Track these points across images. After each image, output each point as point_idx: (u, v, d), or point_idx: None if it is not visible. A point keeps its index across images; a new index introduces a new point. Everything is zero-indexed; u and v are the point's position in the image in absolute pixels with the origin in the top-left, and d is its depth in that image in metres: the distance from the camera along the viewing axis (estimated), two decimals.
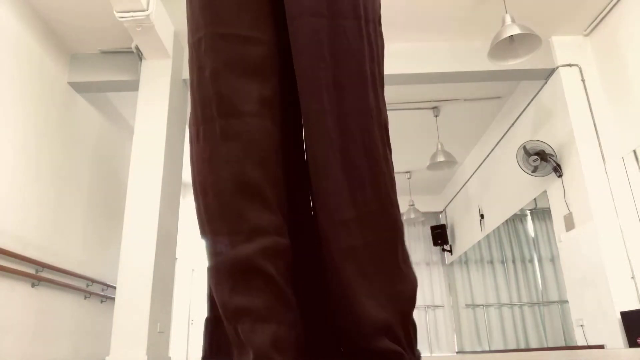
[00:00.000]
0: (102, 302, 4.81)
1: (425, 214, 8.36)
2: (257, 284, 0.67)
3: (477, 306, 7.12)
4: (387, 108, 0.86)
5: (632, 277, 3.74)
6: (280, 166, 0.74)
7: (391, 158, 0.79)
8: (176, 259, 4.44)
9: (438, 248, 8.28)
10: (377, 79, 0.78)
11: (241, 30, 0.76)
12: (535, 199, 5.01)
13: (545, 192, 4.71)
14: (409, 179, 7.58)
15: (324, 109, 0.74)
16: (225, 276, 0.69)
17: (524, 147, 4.48)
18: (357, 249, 0.71)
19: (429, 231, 8.11)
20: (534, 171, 4.50)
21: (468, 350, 7.40)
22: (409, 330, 0.73)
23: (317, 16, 0.75)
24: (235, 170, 0.70)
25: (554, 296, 5.10)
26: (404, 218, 7.35)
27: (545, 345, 5.28)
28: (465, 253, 7.41)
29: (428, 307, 8.14)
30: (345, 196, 0.72)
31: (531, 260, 5.64)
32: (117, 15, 3.49)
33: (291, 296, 0.70)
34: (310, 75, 0.74)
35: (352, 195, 0.72)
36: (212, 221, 0.72)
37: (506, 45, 3.50)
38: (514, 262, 6.07)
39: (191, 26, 0.80)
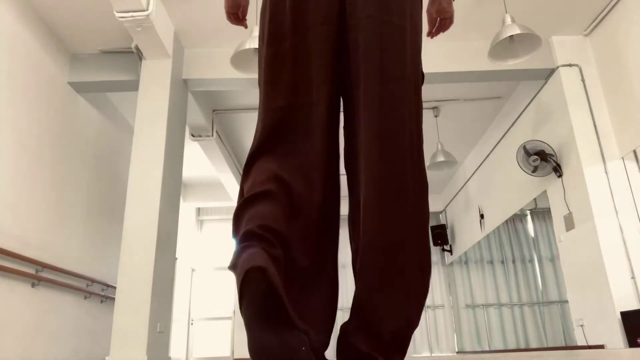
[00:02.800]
0: (102, 302, 4.81)
1: None
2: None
3: (477, 306, 7.12)
4: None
5: (632, 277, 3.75)
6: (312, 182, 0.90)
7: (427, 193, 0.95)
8: (176, 259, 4.44)
9: (438, 248, 8.29)
10: (420, 133, 0.97)
11: (311, 98, 0.95)
12: (535, 199, 5.01)
13: (545, 192, 4.71)
14: None
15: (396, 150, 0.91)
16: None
17: (524, 147, 4.48)
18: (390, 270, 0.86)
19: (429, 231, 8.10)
20: (534, 171, 4.50)
21: (468, 350, 7.40)
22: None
23: (383, 82, 0.95)
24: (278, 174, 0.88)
25: (554, 296, 5.09)
26: None
27: (545, 345, 5.28)
28: (465, 253, 7.41)
29: (428, 307, 8.14)
30: (392, 224, 0.88)
31: (531, 260, 5.63)
32: (117, 15, 3.49)
33: (277, 245, 0.79)
34: (377, 125, 0.92)
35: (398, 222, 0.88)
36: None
37: (506, 45, 3.50)
38: (514, 262, 6.07)
39: (274, 94, 0.96)
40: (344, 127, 1.01)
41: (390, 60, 0.95)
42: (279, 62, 0.97)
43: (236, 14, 1.27)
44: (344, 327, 0.87)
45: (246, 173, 0.92)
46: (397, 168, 0.89)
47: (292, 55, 0.95)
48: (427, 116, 5.72)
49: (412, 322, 0.84)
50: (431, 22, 1.20)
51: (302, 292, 0.82)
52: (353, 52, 0.97)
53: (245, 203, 0.84)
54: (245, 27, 1.33)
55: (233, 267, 0.75)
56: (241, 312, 0.69)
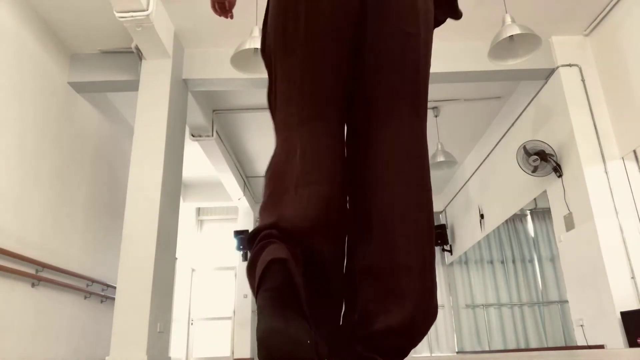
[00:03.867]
0: (102, 302, 4.81)
1: None
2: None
3: (477, 306, 7.12)
4: None
5: (632, 277, 3.75)
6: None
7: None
8: (176, 259, 4.45)
9: (438, 248, 8.29)
10: (429, 169, 0.95)
11: (325, 114, 0.90)
12: (535, 199, 5.01)
13: (545, 192, 4.71)
14: None
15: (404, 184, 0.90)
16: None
17: (524, 147, 4.48)
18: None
19: None
20: (534, 171, 4.50)
21: (468, 350, 7.40)
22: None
23: (409, 97, 0.93)
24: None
25: (554, 296, 5.10)
26: None
27: (545, 345, 5.28)
28: (465, 253, 7.41)
29: None
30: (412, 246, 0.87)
31: (531, 260, 5.64)
32: (117, 15, 3.49)
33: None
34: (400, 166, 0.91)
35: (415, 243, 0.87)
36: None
37: (506, 45, 3.50)
38: (514, 262, 6.07)
39: (298, 106, 0.90)
40: (348, 139, 0.97)
41: (417, 74, 0.93)
42: (292, 74, 0.90)
43: (222, 4, 1.17)
44: (342, 330, 0.87)
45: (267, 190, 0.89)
46: (422, 180, 0.89)
47: (304, 66, 0.89)
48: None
49: (423, 336, 0.86)
50: None
51: (317, 294, 0.82)
52: (374, 63, 0.92)
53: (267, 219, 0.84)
54: (231, 18, 1.23)
55: (253, 261, 0.76)
56: (257, 301, 0.71)
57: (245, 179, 7.29)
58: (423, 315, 0.84)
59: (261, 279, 0.70)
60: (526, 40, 3.44)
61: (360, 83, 0.94)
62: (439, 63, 4.40)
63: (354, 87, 0.96)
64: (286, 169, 0.86)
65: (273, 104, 0.95)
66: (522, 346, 5.82)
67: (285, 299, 0.68)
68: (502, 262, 6.35)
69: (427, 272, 0.85)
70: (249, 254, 0.83)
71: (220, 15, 1.20)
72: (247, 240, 0.84)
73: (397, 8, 0.92)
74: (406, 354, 0.84)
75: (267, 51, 0.97)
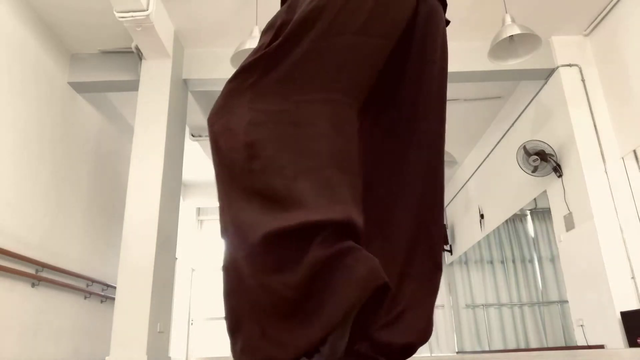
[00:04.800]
0: (102, 302, 4.81)
1: None
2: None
3: (477, 306, 7.12)
4: None
5: (632, 277, 3.75)
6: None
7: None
8: (176, 259, 4.45)
9: None
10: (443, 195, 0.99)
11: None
12: (535, 199, 5.01)
13: (545, 192, 4.71)
14: None
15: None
16: None
17: (524, 147, 4.48)
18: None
19: None
20: (534, 171, 4.50)
21: (468, 350, 7.40)
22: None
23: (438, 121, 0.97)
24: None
25: (554, 296, 5.10)
26: None
27: (545, 345, 5.28)
28: (465, 253, 7.41)
29: None
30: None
31: (531, 260, 5.64)
32: (117, 15, 3.49)
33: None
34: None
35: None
36: None
37: (506, 45, 3.50)
38: (514, 262, 6.07)
39: (330, 85, 0.79)
40: (379, 137, 0.97)
41: (441, 104, 0.97)
42: (340, 52, 0.78)
43: None
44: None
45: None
46: (441, 200, 0.94)
47: (359, 50, 0.81)
48: None
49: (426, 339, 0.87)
50: None
51: None
52: (409, 85, 0.95)
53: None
54: None
55: (332, 261, 0.63)
56: (333, 309, 0.62)
57: None
58: (429, 322, 0.86)
59: (364, 291, 0.62)
60: (526, 40, 3.44)
61: (404, 93, 0.95)
62: None
63: (391, 91, 0.96)
64: (313, 144, 0.71)
65: (272, 65, 0.77)
66: (522, 346, 5.82)
67: (362, 321, 0.69)
68: (502, 262, 6.35)
69: (435, 286, 0.89)
70: (301, 250, 0.64)
71: None
72: (300, 231, 0.64)
73: (439, 39, 0.96)
74: (410, 354, 0.84)
75: (320, 16, 0.79)
